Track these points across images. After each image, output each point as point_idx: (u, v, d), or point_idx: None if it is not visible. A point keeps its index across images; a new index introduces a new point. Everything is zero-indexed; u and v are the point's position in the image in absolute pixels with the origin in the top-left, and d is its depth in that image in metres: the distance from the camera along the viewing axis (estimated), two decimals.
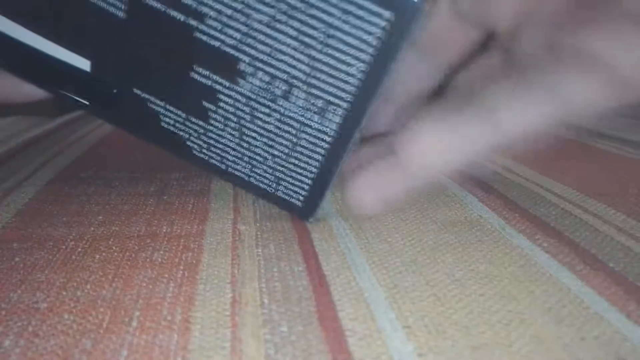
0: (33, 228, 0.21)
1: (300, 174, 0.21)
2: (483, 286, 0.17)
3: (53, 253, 0.19)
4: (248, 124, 0.20)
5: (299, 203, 0.22)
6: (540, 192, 0.27)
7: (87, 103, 0.22)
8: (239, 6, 0.18)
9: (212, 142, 0.21)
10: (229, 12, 0.18)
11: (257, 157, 0.21)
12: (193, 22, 0.19)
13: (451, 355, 0.14)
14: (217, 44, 0.19)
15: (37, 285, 0.17)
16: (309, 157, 0.20)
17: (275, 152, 0.21)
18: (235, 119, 0.20)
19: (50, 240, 0.20)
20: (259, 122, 0.20)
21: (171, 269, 0.18)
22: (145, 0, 0.19)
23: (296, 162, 0.21)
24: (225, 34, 0.18)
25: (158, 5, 0.19)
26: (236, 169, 0.22)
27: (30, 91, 0.23)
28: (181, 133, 0.21)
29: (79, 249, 0.20)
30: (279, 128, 0.20)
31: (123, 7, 0.19)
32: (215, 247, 0.20)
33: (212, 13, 0.18)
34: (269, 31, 0.18)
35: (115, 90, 0.21)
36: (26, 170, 0.30)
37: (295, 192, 0.21)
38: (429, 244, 0.20)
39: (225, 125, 0.21)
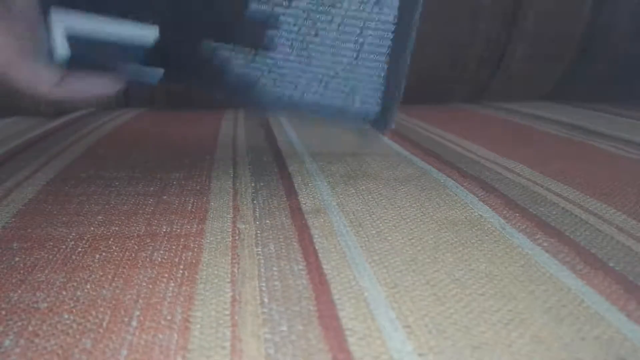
0: (33, 228, 0.21)
1: (371, 75, 0.20)
2: (483, 285, 0.17)
3: (53, 253, 0.19)
4: (313, 39, 0.20)
5: (375, 109, 0.21)
6: (540, 191, 0.27)
7: (162, 77, 0.23)
8: None
9: (282, 71, 0.21)
10: None
11: (329, 72, 0.21)
12: None
13: (451, 355, 0.14)
14: None
15: (37, 285, 0.17)
16: (377, 54, 0.20)
17: (345, 60, 0.20)
18: (300, 38, 0.20)
19: (50, 240, 0.20)
20: (324, 33, 0.20)
21: (171, 269, 0.18)
22: None
23: (365, 63, 0.20)
24: None
25: None
26: (309, 93, 0.21)
27: (96, 87, 0.25)
28: (254, 73, 0.21)
29: (79, 249, 0.20)
30: (344, 32, 0.20)
31: None
32: (215, 246, 0.20)
33: None
34: None
35: (186, 50, 0.22)
36: (26, 170, 0.30)
37: (370, 98, 0.21)
38: (429, 243, 0.20)
39: (292, 47, 0.20)
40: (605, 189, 0.27)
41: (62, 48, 0.23)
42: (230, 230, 0.21)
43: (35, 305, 0.16)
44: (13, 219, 0.22)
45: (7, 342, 0.14)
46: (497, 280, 0.17)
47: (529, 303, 0.16)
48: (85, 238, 0.20)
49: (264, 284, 0.17)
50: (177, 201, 0.25)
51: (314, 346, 0.14)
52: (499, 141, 0.39)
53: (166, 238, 0.21)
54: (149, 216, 0.23)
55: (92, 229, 0.21)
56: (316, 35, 0.20)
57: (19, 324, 0.15)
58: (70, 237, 0.21)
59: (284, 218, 0.22)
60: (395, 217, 0.23)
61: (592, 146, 0.37)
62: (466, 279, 0.18)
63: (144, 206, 0.24)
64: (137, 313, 0.15)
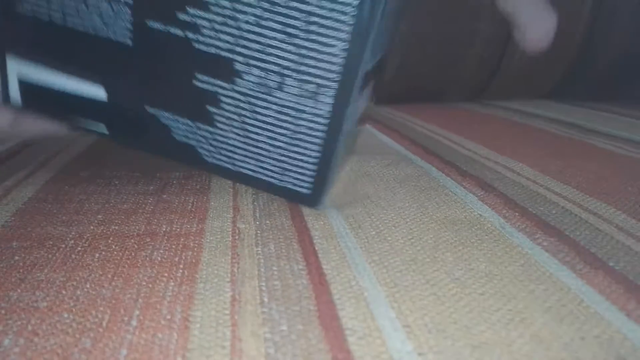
0: (32, 227, 0.21)
1: (303, 160, 0.22)
2: (483, 285, 0.17)
3: (52, 252, 0.19)
4: (249, 120, 0.21)
5: (306, 191, 0.23)
6: (540, 190, 0.27)
7: (106, 132, 0.24)
8: (228, 12, 0.19)
9: (220, 145, 0.23)
10: (220, 19, 0.20)
11: (262, 152, 0.22)
12: (191, 35, 0.20)
13: (451, 355, 0.14)
14: (213, 50, 0.20)
15: (37, 284, 0.17)
16: (309, 142, 0.21)
17: (277, 143, 0.22)
18: (237, 118, 0.22)
19: (49, 239, 0.20)
20: (259, 117, 0.21)
21: (171, 268, 0.18)
22: (149, 24, 0.21)
23: (298, 149, 0.22)
24: (220, 39, 0.20)
25: (160, 27, 0.21)
26: (244, 167, 0.23)
27: (47, 127, 0.26)
28: (192, 142, 0.23)
29: (79, 248, 0.19)
30: (278, 119, 0.21)
31: (130, 36, 0.21)
32: (215, 245, 0.20)
33: (205, 23, 0.20)
34: (257, 29, 0.19)
35: (129, 113, 0.23)
36: (26, 169, 0.30)
37: (301, 179, 0.22)
38: (429, 243, 0.20)
39: (230, 125, 0.22)
40: (605, 188, 0.27)
41: (14, 92, 0.25)
42: (230, 229, 0.21)
43: (34, 304, 0.16)
44: (12, 218, 0.22)
45: (6, 341, 0.14)
46: (497, 280, 0.17)
47: (528, 302, 0.16)
48: (85, 237, 0.20)
49: (263, 284, 0.17)
50: (177, 200, 0.25)
51: (314, 346, 0.14)
52: (498, 140, 0.39)
53: (166, 237, 0.21)
54: (148, 215, 0.23)
55: (92, 228, 0.21)
56: (253, 117, 0.21)
57: (19, 323, 0.15)
58: (70, 236, 0.21)
59: (284, 218, 0.22)
60: (395, 217, 0.23)
61: (592, 145, 0.37)
62: (466, 279, 0.18)
63: (143, 205, 0.24)
64: (137, 312, 0.15)
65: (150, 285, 0.17)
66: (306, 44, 0.19)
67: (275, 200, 0.25)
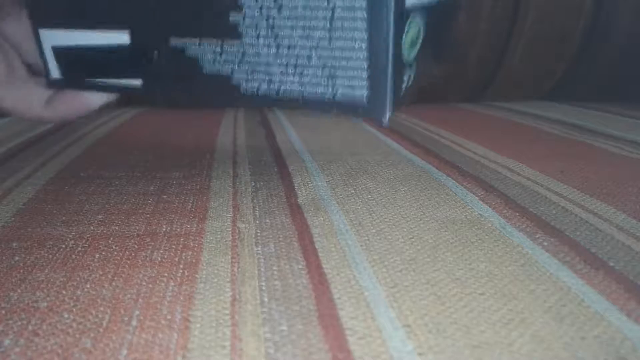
0: (33, 227, 0.21)
1: (351, 61, 0.18)
2: (483, 285, 0.17)
3: (53, 252, 0.19)
4: (278, 21, 0.19)
5: (363, 100, 0.19)
6: (540, 190, 0.27)
7: (140, 85, 0.24)
8: None
9: (254, 61, 0.20)
10: None
11: (301, 59, 0.19)
12: None
13: (451, 355, 0.14)
14: None
15: (37, 285, 0.17)
16: (353, 37, 0.18)
17: (315, 43, 0.19)
18: (264, 21, 0.19)
19: (50, 240, 0.20)
20: (287, 13, 0.19)
21: (171, 268, 0.18)
22: None
23: (341, 46, 0.18)
24: None
25: None
26: (287, 86, 0.20)
27: (81, 105, 0.26)
28: (224, 71, 0.21)
29: (79, 248, 0.19)
30: (310, 10, 0.18)
31: None
32: (215, 245, 0.20)
33: None
34: None
35: (155, 52, 0.22)
36: (26, 169, 0.30)
37: (355, 87, 0.19)
38: (429, 243, 0.20)
39: (258, 33, 0.19)
40: (605, 189, 0.27)
41: (52, 66, 0.25)
42: (230, 229, 0.21)
43: (35, 305, 0.16)
44: (13, 218, 0.22)
45: (6, 342, 0.14)
46: (497, 280, 0.17)
47: (529, 302, 0.16)
48: (85, 237, 0.20)
49: (263, 283, 0.17)
50: (177, 200, 0.25)
51: (314, 345, 0.14)
52: (499, 140, 0.39)
53: (166, 237, 0.21)
54: (148, 215, 0.23)
55: (92, 228, 0.21)
56: (280, 16, 0.19)
57: (19, 323, 0.15)
58: (70, 236, 0.21)
59: (284, 217, 0.22)
60: (395, 216, 0.23)
61: (593, 145, 0.37)
62: (466, 279, 0.18)
63: (143, 205, 0.24)
64: (137, 312, 0.15)
65: (150, 286, 0.17)
66: None
67: (275, 198, 0.25)
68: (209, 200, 0.25)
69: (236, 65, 0.21)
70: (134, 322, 0.15)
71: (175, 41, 0.22)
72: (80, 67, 0.25)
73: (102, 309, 0.15)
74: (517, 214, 0.23)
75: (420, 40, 0.20)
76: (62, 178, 0.28)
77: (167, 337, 0.14)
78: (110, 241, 0.20)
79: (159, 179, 0.28)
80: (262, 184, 0.27)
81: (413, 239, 0.21)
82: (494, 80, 0.58)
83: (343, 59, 0.19)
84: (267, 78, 0.20)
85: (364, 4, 0.17)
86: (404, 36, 0.18)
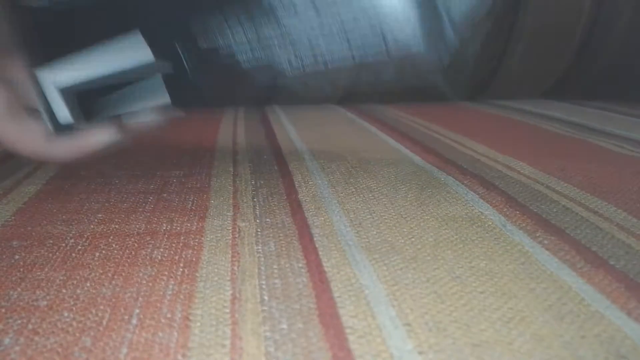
0: (33, 226, 0.21)
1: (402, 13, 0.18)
2: (483, 283, 0.17)
3: (53, 251, 0.19)
4: None
5: (419, 38, 0.19)
6: (541, 189, 0.27)
7: (169, 99, 0.21)
8: None
9: (295, 36, 0.18)
10: None
11: (347, 16, 0.18)
12: None
13: (451, 353, 0.14)
14: None
15: (37, 283, 0.17)
16: None
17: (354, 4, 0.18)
18: None
19: (50, 238, 0.20)
20: None
21: (171, 267, 0.18)
22: None
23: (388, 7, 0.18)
24: None
25: None
26: (336, 54, 0.19)
27: (95, 141, 0.24)
28: (266, 51, 0.19)
29: (79, 247, 0.19)
30: None
31: None
32: (215, 244, 0.20)
33: None
34: None
35: (185, 56, 0.20)
36: (26, 168, 0.30)
37: (408, 26, 0.18)
38: (429, 241, 0.20)
39: (294, 5, 0.18)
40: (605, 187, 0.27)
41: (61, 109, 0.21)
42: (230, 228, 0.21)
43: (35, 303, 0.16)
44: (13, 217, 0.22)
45: (7, 340, 0.14)
46: (498, 278, 0.17)
47: (529, 301, 0.16)
48: (85, 236, 0.20)
49: (264, 282, 0.17)
50: (177, 199, 0.25)
51: (314, 344, 0.14)
52: (499, 139, 0.39)
53: (166, 236, 0.21)
54: (149, 214, 0.23)
55: (92, 226, 0.21)
56: None
57: (19, 322, 0.15)
58: (70, 235, 0.21)
59: (284, 216, 0.22)
60: (396, 215, 0.23)
61: (592, 144, 0.37)
62: (466, 277, 0.17)
63: (144, 204, 0.24)
64: (137, 311, 0.15)
65: (150, 284, 0.17)
66: None
67: (275, 196, 0.25)
68: (209, 198, 0.25)
69: (279, 43, 0.19)
70: (134, 321, 0.15)
71: (203, 41, 0.20)
72: (99, 102, 0.22)
73: (102, 307, 0.15)
74: (518, 212, 0.23)
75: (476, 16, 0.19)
76: (62, 177, 0.28)
77: (167, 335, 0.14)
78: (110, 240, 0.20)
79: (159, 177, 0.28)
80: (262, 182, 0.27)
81: (413, 238, 0.21)
82: (494, 78, 0.57)
83: (391, 6, 0.18)
84: (311, 52, 0.19)
85: None
86: None
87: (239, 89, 0.21)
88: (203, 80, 0.21)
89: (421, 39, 0.19)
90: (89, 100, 0.22)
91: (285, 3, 0.18)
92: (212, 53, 0.20)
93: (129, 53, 0.20)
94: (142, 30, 0.20)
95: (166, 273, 0.18)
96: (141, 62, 0.20)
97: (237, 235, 0.21)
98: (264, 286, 0.17)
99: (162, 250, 0.19)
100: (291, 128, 0.42)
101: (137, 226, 0.21)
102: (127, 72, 0.20)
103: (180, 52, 0.20)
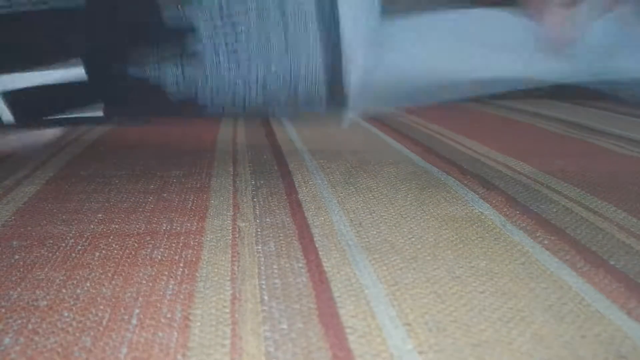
0: (33, 226, 0.21)
1: (308, 59, 0.20)
2: (483, 283, 0.17)
3: (53, 251, 0.19)
4: (235, 35, 0.19)
5: (323, 93, 0.21)
6: (541, 189, 0.27)
7: (102, 114, 0.24)
8: None
9: (217, 79, 0.20)
10: None
11: (262, 69, 0.20)
12: None
13: (451, 353, 0.14)
14: None
15: (37, 283, 0.17)
16: (307, 30, 0.19)
17: (275, 48, 0.19)
18: (220, 36, 0.19)
19: (49, 238, 0.20)
20: (243, 27, 0.19)
21: (171, 267, 0.18)
22: None
23: (298, 48, 0.19)
24: None
25: None
26: (252, 98, 0.21)
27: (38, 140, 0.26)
28: (188, 90, 0.21)
29: (79, 247, 0.19)
30: (264, 18, 0.19)
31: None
32: (215, 244, 0.20)
33: None
34: None
35: (115, 79, 0.22)
36: (26, 168, 0.30)
37: (315, 83, 0.20)
38: (429, 241, 0.20)
39: (216, 48, 0.20)
40: (605, 187, 0.27)
41: (4, 113, 0.24)
42: (230, 228, 0.21)
43: (35, 303, 0.16)
44: (13, 217, 0.22)
45: (7, 340, 0.14)
46: (498, 278, 0.17)
47: (529, 301, 0.16)
48: (85, 236, 0.20)
49: (264, 282, 0.17)
50: (177, 199, 0.25)
51: (314, 344, 0.14)
52: (499, 139, 0.39)
53: (166, 236, 0.21)
54: (149, 214, 0.23)
55: (92, 226, 0.21)
56: (234, 27, 0.19)
57: (19, 321, 0.15)
58: (70, 235, 0.21)
59: (284, 216, 0.22)
60: (396, 215, 0.23)
61: (593, 144, 0.37)
62: (466, 277, 0.17)
63: (144, 204, 0.24)
64: (137, 311, 0.15)
65: (150, 284, 0.17)
66: None
67: (275, 196, 0.25)
68: (209, 198, 0.25)
69: (200, 85, 0.21)
70: (134, 321, 0.15)
71: (133, 69, 0.21)
72: (38, 107, 0.24)
73: (102, 307, 0.15)
74: (518, 212, 0.23)
75: None
76: (62, 177, 0.28)
77: (167, 335, 0.14)
78: (110, 240, 0.20)
79: (159, 177, 0.28)
80: (262, 182, 0.27)
81: (413, 238, 0.21)
82: None
83: (299, 64, 0.20)
84: (231, 95, 0.21)
85: (316, 21, 0.19)
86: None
87: (165, 113, 0.23)
88: (131, 103, 0.23)
89: (325, 103, 0.21)
90: (32, 104, 0.24)
91: (210, 52, 0.20)
92: (142, 82, 0.22)
93: (66, 70, 0.22)
94: (82, 48, 0.22)
95: (166, 273, 0.18)
96: (75, 79, 0.22)
97: (237, 235, 0.21)
98: (264, 286, 0.17)
99: (162, 250, 0.19)
100: (291, 128, 0.42)
101: (137, 226, 0.21)
102: (61, 85, 0.23)
103: (112, 75, 0.22)
